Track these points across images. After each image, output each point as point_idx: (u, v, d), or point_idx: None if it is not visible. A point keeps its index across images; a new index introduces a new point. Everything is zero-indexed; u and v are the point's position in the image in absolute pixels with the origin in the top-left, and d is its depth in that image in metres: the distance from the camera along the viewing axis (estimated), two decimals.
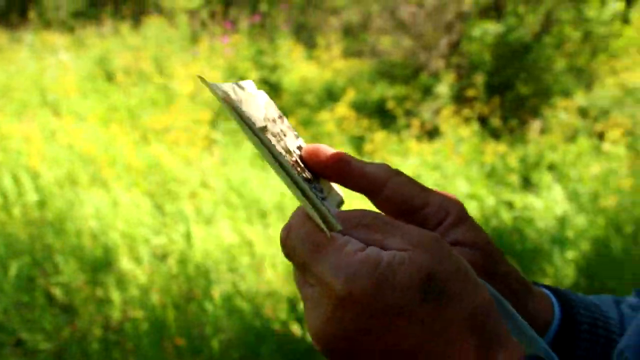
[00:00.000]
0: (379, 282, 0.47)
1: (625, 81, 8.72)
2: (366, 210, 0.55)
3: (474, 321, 0.48)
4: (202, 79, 0.54)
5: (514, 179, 5.98)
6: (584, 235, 4.43)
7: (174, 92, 8.54)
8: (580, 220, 4.63)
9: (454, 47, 8.52)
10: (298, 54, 10.67)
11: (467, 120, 7.55)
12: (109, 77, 9.29)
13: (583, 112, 7.90)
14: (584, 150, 6.78)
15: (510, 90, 8.25)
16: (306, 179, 0.55)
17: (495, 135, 7.57)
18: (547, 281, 3.95)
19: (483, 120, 7.71)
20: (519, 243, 4.36)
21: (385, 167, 0.61)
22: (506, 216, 5.01)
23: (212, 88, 0.54)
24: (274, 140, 0.54)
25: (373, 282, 0.47)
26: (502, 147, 6.89)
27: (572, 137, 7.33)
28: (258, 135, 0.54)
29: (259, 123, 0.55)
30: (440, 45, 8.44)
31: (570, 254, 4.17)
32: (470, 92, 7.84)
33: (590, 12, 8.91)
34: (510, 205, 5.37)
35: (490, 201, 5.57)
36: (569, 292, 0.69)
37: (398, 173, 0.61)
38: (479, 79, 8.03)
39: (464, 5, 8.11)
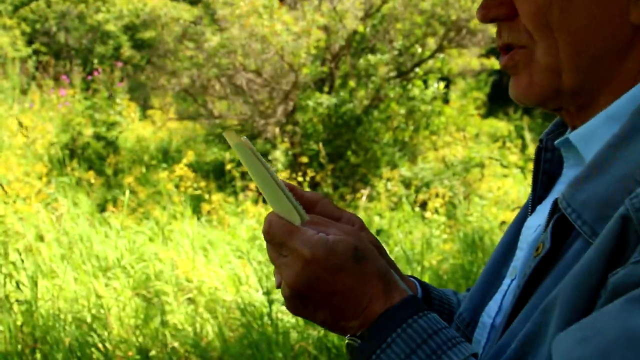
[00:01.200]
0: (329, 251, 0.79)
1: (445, 156, 9.45)
2: (314, 214, 0.89)
3: (381, 274, 0.82)
4: (226, 130, 0.81)
5: None
6: None
7: (3, 144, 8.30)
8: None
9: (290, 115, 8.90)
10: (133, 113, 10.67)
11: (300, 186, 7.89)
12: None
13: (407, 183, 8.48)
14: (408, 216, 7.28)
15: (342, 160, 8.70)
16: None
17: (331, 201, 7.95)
18: None
19: (316, 187, 8.08)
20: None
21: (317, 194, 0.97)
22: None
23: (230, 135, 0.83)
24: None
25: (326, 251, 0.79)
26: None
27: (397, 205, 7.85)
28: (267, 167, 0.83)
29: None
30: (277, 113, 8.79)
31: None
32: (304, 159, 8.22)
33: (415, 91, 9.62)
34: None
35: None
36: (425, 282, 1.09)
37: (324, 197, 0.97)
38: (313, 147, 8.44)
39: (300, 76, 8.52)
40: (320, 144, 8.31)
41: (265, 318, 3.99)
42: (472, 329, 0.96)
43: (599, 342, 0.63)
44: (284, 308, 4.11)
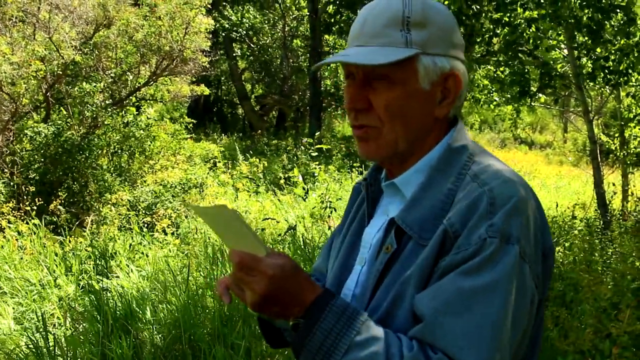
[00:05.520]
0: (281, 270, 1.26)
1: (163, 179, 9.87)
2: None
3: (308, 278, 1.31)
4: (192, 206, 1.35)
5: (89, 267, 6.52)
6: (165, 306, 5.20)
7: None
8: (159, 295, 5.39)
9: (9, 145, 8.74)
10: None
11: (26, 215, 7.84)
12: None
13: (133, 206, 8.77)
14: (139, 238, 7.59)
15: (64, 187, 8.74)
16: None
17: (57, 228, 7.99)
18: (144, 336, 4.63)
19: (41, 215, 8.06)
20: (122, 312, 4.92)
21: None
22: (90, 297, 5.46)
23: (198, 208, 1.35)
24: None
25: (280, 270, 1.26)
26: (65, 240, 7.36)
27: (126, 228, 8.13)
28: (243, 221, 1.27)
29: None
30: None
31: (162, 315, 4.92)
32: (30, 188, 8.16)
33: (129, 117, 9.91)
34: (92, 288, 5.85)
35: (71, 288, 6.07)
36: None
37: None
38: (33, 176, 8.38)
39: (18, 105, 8.44)
40: (36, 174, 8.26)
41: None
42: None
43: (443, 297, 1.22)
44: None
